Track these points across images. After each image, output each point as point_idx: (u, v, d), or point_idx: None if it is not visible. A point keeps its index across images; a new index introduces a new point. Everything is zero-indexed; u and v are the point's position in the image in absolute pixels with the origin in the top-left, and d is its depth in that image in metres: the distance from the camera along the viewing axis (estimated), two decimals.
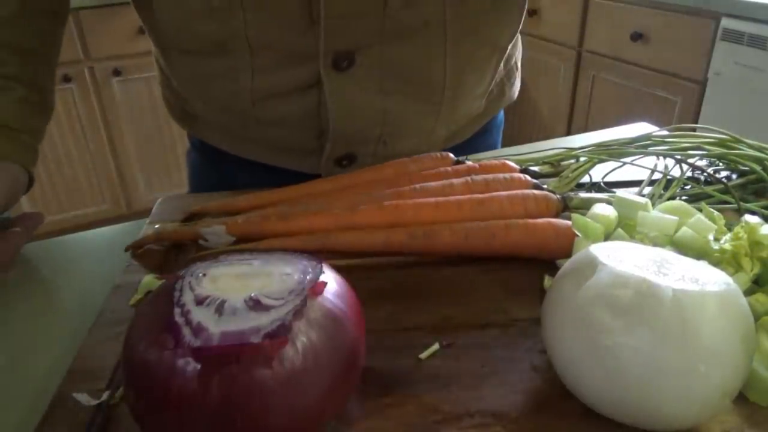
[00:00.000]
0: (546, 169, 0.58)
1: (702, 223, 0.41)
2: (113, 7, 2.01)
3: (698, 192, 0.53)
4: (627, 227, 0.44)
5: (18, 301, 0.49)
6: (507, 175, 0.51)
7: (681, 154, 0.56)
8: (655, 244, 0.41)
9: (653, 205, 0.46)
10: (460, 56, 0.59)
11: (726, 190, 0.52)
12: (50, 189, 2.17)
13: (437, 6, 0.54)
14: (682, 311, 0.28)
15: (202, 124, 0.67)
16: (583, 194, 0.50)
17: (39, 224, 0.53)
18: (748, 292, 0.37)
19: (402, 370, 0.36)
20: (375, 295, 0.43)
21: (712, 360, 0.28)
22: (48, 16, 0.58)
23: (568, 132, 2.19)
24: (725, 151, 0.56)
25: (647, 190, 0.53)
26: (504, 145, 0.76)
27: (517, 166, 0.54)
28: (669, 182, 0.53)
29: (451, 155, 0.56)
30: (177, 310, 0.28)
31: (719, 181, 0.53)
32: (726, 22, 1.57)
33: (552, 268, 0.44)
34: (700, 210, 0.43)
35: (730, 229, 0.41)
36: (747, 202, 0.51)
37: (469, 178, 0.50)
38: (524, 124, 2.44)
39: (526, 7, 0.64)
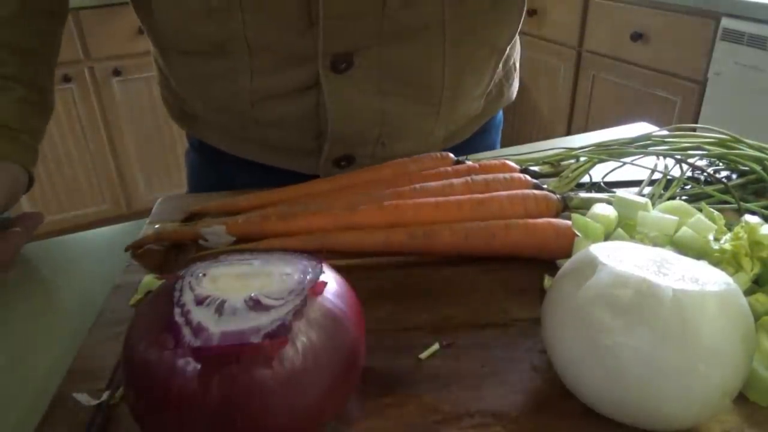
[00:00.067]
0: (546, 169, 0.58)
1: (702, 223, 0.41)
2: (113, 7, 2.01)
3: (698, 192, 0.53)
4: (627, 227, 0.44)
5: (18, 301, 0.49)
6: (507, 175, 0.51)
7: (681, 154, 0.56)
8: (655, 244, 0.41)
9: (653, 205, 0.46)
10: (458, 57, 0.59)
11: (726, 190, 0.52)
12: (50, 189, 2.17)
13: (436, 7, 0.54)
14: (682, 311, 0.28)
15: (201, 124, 0.67)
16: (583, 194, 0.50)
17: (39, 224, 0.53)
18: (748, 292, 0.37)
19: (402, 370, 0.36)
20: (375, 295, 0.43)
21: (712, 360, 0.28)
22: (47, 16, 0.58)
23: (568, 132, 2.19)
24: (725, 151, 0.56)
25: (647, 190, 0.53)
26: (504, 145, 0.76)
27: (517, 166, 0.54)
28: (669, 182, 0.53)
29: (451, 155, 0.56)
30: (177, 310, 0.28)
31: (719, 181, 0.53)
32: (726, 22, 1.57)
33: (552, 268, 0.44)
34: (700, 210, 0.43)
35: (730, 229, 0.41)
36: (747, 202, 0.51)
37: (469, 178, 0.50)
38: (524, 124, 2.44)
39: (525, 7, 0.64)
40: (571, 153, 0.59)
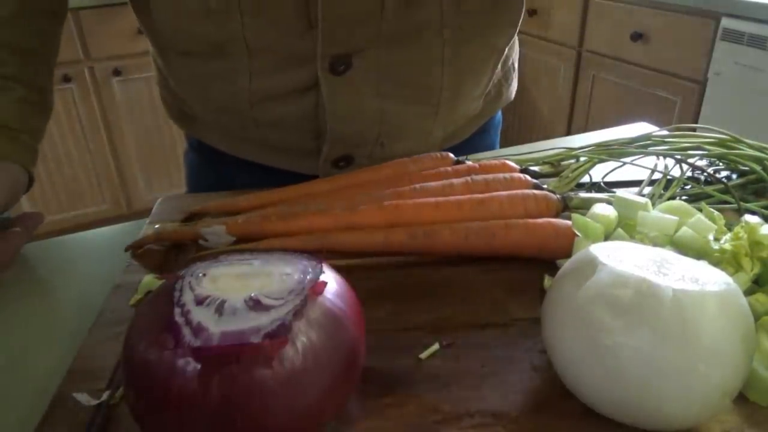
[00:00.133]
0: (546, 169, 0.58)
1: (702, 223, 0.41)
2: (113, 7, 2.01)
3: (698, 192, 0.53)
4: (627, 227, 0.44)
5: (18, 301, 0.49)
6: (507, 175, 0.51)
7: (681, 154, 0.56)
8: (655, 244, 0.41)
9: (653, 205, 0.46)
10: (457, 58, 0.59)
11: (726, 190, 0.52)
12: (50, 189, 2.17)
13: (434, 9, 0.54)
14: (682, 311, 0.28)
15: (200, 124, 0.67)
16: (583, 194, 0.50)
17: (39, 224, 0.53)
18: (748, 292, 0.37)
19: (402, 370, 0.36)
20: (375, 295, 0.43)
21: (712, 360, 0.28)
22: (47, 15, 0.58)
23: (568, 132, 2.19)
24: (725, 151, 0.56)
25: (647, 190, 0.53)
26: (504, 145, 0.76)
27: (517, 166, 0.54)
28: (669, 182, 0.53)
29: (451, 155, 0.56)
30: (177, 310, 0.28)
31: (719, 181, 0.53)
32: (726, 22, 1.57)
33: (552, 268, 0.44)
34: (700, 210, 0.43)
35: (730, 229, 0.41)
36: (747, 202, 0.51)
37: (469, 178, 0.50)
38: (524, 124, 2.44)
39: (525, 7, 0.64)
40: (571, 153, 0.59)
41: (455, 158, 0.55)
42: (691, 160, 0.56)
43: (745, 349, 0.29)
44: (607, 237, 0.44)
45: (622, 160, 0.57)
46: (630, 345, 0.29)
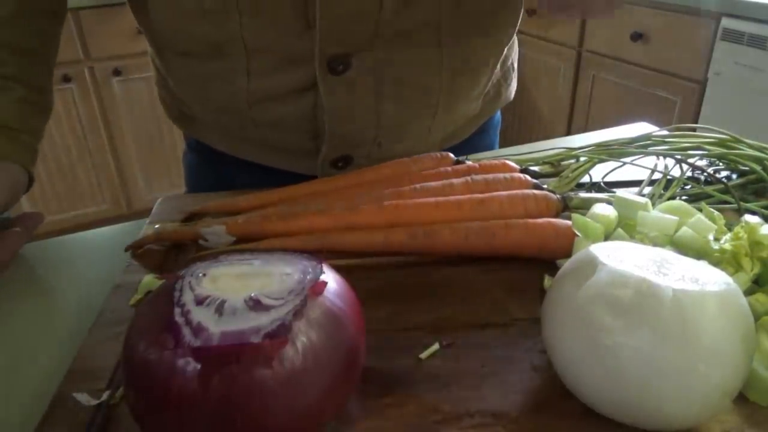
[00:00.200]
0: (546, 169, 0.58)
1: (702, 223, 0.41)
2: (113, 7, 2.01)
3: (698, 192, 0.53)
4: (627, 227, 0.44)
5: (18, 301, 0.49)
6: (507, 175, 0.51)
7: (681, 154, 0.56)
8: (655, 244, 0.41)
9: (653, 205, 0.46)
10: (456, 59, 0.59)
11: (726, 190, 0.52)
12: (50, 189, 2.17)
13: (433, 9, 0.54)
14: (682, 311, 0.28)
15: (199, 124, 0.67)
16: (583, 194, 0.50)
17: (39, 224, 0.53)
18: (748, 292, 0.37)
19: (402, 370, 0.36)
20: (375, 295, 0.43)
21: (712, 360, 0.28)
22: (46, 15, 0.58)
23: (568, 132, 2.19)
24: (725, 151, 0.56)
25: (647, 190, 0.53)
26: (504, 146, 0.76)
27: (517, 166, 0.54)
28: (669, 182, 0.53)
29: (451, 155, 0.56)
30: (177, 310, 0.28)
31: (719, 181, 0.53)
32: (726, 22, 1.57)
33: (552, 268, 0.44)
34: (700, 210, 0.43)
35: (730, 229, 0.41)
36: (747, 202, 0.51)
37: (469, 178, 0.50)
38: (524, 124, 2.44)
39: (523, 7, 0.64)
40: (571, 153, 0.59)
41: (455, 158, 0.55)
42: (691, 160, 0.56)
43: (745, 349, 0.29)
44: (607, 237, 0.44)
45: (622, 160, 0.57)
46: (630, 345, 0.29)
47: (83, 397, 0.34)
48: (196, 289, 0.29)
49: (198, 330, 0.27)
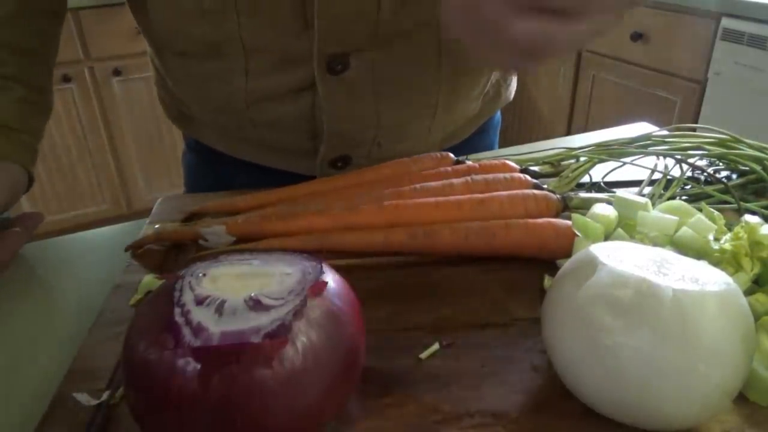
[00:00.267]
0: (546, 169, 0.58)
1: (702, 223, 0.41)
2: (113, 7, 2.01)
3: (698, 192, 0.53)
4: (627, 227, 0.44)
5: (18, 301, 0.49)
6: (507, 175, 0.51)
7: (681, 154, 0.56)
8: (655, 244, 0.41)
9: (653, 205, 0.46)
10: (454, 58, 0.59)
11: (726, 190, 0.52)
12: (50, 189, 2.17)
13: (431, 9, 0.54)
14: (682, 311, 0.28)
15: (198, 124, 0.67)
16: (583, 194, 0.50)
17: (39, 224, 0.53)
18: (748, 292, 0.37)
19: (402, 370, 0.36)
20: (375, 295, 0.43)
21: (712, 360, 0.28)
22: (46, 15, 0.58)
23: (568, 132, 2.19)
24: (725, 151, 0.56)
25: (647, 190, 0.53)
26: (504, 146, 0.76)
27: (517, 166, 0.54)
28: (669, 182, 0.53)
29: (451, 155, 0.56)
30: (177, 310, 0.28)
31: (719, 181, 0.53)
32: (726, 22, 1.57)
33: (552, 268, 0.44)
34: (700, 210, 0.43)
35: (730, 229, 0.41)
36: (747, 202, 0.51)
37: (469, 178, 0.50)
38: (524, 124, 2.44)
39: None
40: (571, 153, 0.59)
41: (455, 158, 0.55)
42: (691, 160, 0.56)
43: (745, 349, 0.29)
44: (607, 237, 0.44)
45: (622, 160, 0.57)
46: (630, 345, 0.29)
47: (83, 397, 0.34)
48: (196, 289, 0.29)
49: (198, 330, 0.27)
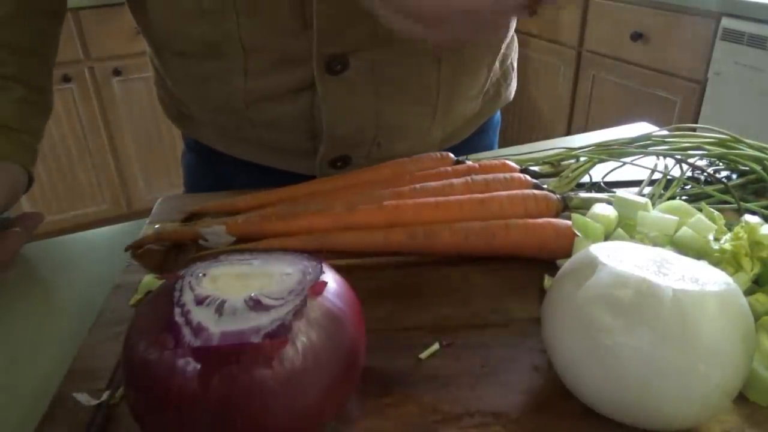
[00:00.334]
0: (546, 169, 0.58)
1: (702, 223, 0.41)
2: (113, 7, 2.01)
3: (698, 192, 0.53)
4: (627, 227, 0.44)
5: (18, 301, 0.49)
6: (507, 175, 0.51)
7: (681, 154, 0.56)
8: (655, 244, 0.41)
9: (653, 205, 0.46)
10: (453, 57, 0.59)
11: (726, 190, 0.52)
12: (50, 189, 2.17)
13: None
14: (682, 311, 0.28)
15: (197, 124, 0.67)
16: (583, 194, 0.50)
17: (39, 224, 0.53)
18: (748, 292, 0.37)
19: (402, 370, 0.36)
20: (375, 295, 0.43)
21: (712, 360, 0.28)
22: (46, 15, 0.58)
23: (568, 132, 2.19)
24: (725, 151, 0.56)
25: (647, 190, 0.53)
26: (504, 146, 0.76)
27: (517, 166, 0.54)
28: (669, 182, 0.53)
29: (451, 155, 0.56)
30: (177, 310, 0.28)
31: (719, 181, 0.53)
32: (726, 22, 1.57)
33: (552, 268, 0.44)
34: (700, 210, 0.43)
35: (730, 229, 0.41)
36: (747, 202, 0.51)
37: (469, 178, 0.50)
38: (524, 124, 2.44)
39: None
40: (571, 153, 0.59)
41: (455, 158, 0.55)
42: (691, 160, 0.56)
43: (745, 349, 0.29)
44: (607, 237, 0.44)
45: (622, 160, 0.57)
46: (630, 345, 0.29)
47: (83, 397, 0.34)
48: (196, 289, 0.29)
49: (198, 330, 0.27)
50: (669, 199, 0.50)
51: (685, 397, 0.28)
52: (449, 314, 0.41)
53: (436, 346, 0.38)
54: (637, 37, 1.82)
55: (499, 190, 0.49)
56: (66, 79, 2.04)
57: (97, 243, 0.58)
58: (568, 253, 0.44)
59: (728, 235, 0.40)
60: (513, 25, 0.67)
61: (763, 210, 0.50)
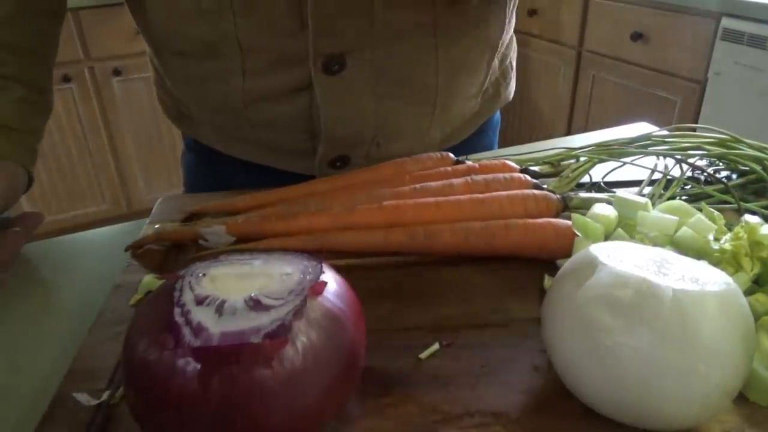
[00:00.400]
0: (546, 169, 0.58)
1: (702, 223, 0.41)
2: (113, 7, 2.01)
3: (698, 192, 0.53)
4: (627, 227, 0.44)
5: (18, 301, 0.49)
6: (507, 175, 0.51)
7: (681, 154, 0.56)
8: (655, 244, 0.41)
9: (653, 205, 0.46)
10: (451, 56, 0.59)
11: (726, 190, 0.52)
12: (50, 189, 2.17)
13: (426, 7, 0.54)
14: (682, 311, 0.28)
15: (197, 124, 0.67)
16: (583, 194, 0.50)
17: (39, 224, 0.53)
18: (748, 292, 0.37)
19: (402, 370, 0.36)
20: (375, 295, 0.43)
21: (712, 360, 0.28)
22: (46, 15, 0.58)
23: (568, 132, 2.19)
24: (725, 151, 0.56)
25: (647, 190, 0.53)
26: (504, 146, 0.76)
27: (517, 166, 0.54)
28: (669, 182, 0.53)
29: (451, 155, 0.56)
30: (177, 310, 0.28)
31: (719, 181, 0.53)
32: (726, 22, 1.57)
33: (552, 268, 0.44)
34: (700, 210, 0.43)
35: (730, 229, 0.41)
36: (747, 202, 0.51)
37: (469, 178, 0.50)
38: (524, 124, 2.44)
39: (517, 4, 0.64)
40: (571, 153, 0.59)
41: (455, 158, 0.55)
42: (691, 160, 0.56)
43: (745, 349, 0.29)
44: (607, 237, 0.44)
45: (622, 160, 0.57)
46: (630, 345, 0.29)
47: (83, 397, 0.34)
48: (196, 289, 0.29)
49: (198, 330, 0.27)
50: (669, 199, 0.50)
51: (685, 397, 0.28)
52: (449, 314, 0.41)
53: (436, 346, 0.38)
54: (637, 37, 1.82)
55: (499, 190, 0.49)
56: (66, 79, 2.04)
57: (97, 243, 0.58)
58: (568, 253, 0.44)
59: (728, 235, 0.40)
60: (512, 24, 0.66)
61: (763, 210, 0.50)
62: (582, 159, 0.57)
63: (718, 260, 0.39)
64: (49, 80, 0.60)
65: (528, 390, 0.35)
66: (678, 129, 0.66)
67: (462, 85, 0.63)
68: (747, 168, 0.55)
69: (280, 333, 0.27)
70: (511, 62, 0.72)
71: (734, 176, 0.56)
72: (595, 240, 0.43)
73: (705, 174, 0.55)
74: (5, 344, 0.44)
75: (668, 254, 0.33)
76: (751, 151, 0.56)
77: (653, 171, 0.55)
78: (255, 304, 0.28)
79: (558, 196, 0.49)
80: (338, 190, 0.53)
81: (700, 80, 1.69)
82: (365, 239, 0.46)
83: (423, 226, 0.46)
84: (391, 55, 0.56)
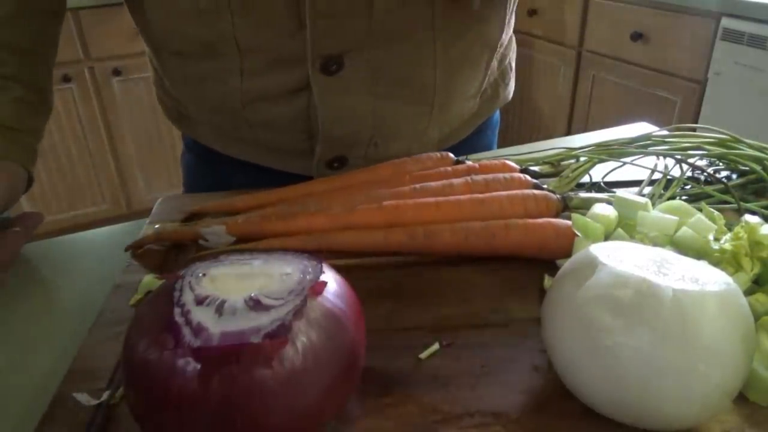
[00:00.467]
0: (546, 169, 0.58)
1: (702, 223, 0.41)
2: (113, 7, 2.01)
3: (698, 192, 0.53)
4: (627, 227, 0.44)
5: (18, 301, 0.49)
6: (507, 175, 0.51)
7: (681, 154, 0.56)
8: (655, 244, 0.41)
9: (653, 205, 0.46)
10: (449, 56, 0.59)
11: (726, 190, 0.52)
12: (50, 189, 2.17)
13: (424, 7, 0.54)
14: (682, 311, 0.28)
15: (196, 124, 0.67)
16: (583, 194, 0.50)
17: (39, 224, 0.53)
18: (748, 292, 0.37)
19: (402, 370, 0.36)
20: (375, 295, 0.43)
21: (712, 360, 0.28)
22: (45, 15, 0.58)
23: (568, 132, 2.19)
24: (725, 151, 0.56)
25: (647, 190, 0.53)
26: (504, 146, 0.76)
27: (517, 166, 0.54)
28: (669, 182, 0.53)
29: (451, 155, 0.56)
30: (177, 310, 0.28)
31: (719, 181, 0.53)
32: (726, 22, 1.57)
33: (552, 268, 0.44)
34: (700, 210, 0.43)
35: (730, 229, 0.41)
36: (747, 202, 0.51)
37: (469, 178, 0.50)
38: (524, 124, 2.44)
39: (516, 3, 0.63)
40: (571, 153, 0.59)
41: (455, 158, 0.55)
42: (691, 160, 0.56)
43: (745, 349, 0.29)
44: (607, 237, 0.44)
45: (622, 160, 0.57)
46: (630, 345, 0.29)
47: (83, 397, 0.34)
48: (196, 289, 0.29)
49: (198, 330, 0.27)
50: (669, 199, 0.50)
51: (685, 397, 0.28)
52: (449, 314, 0.41)
53: (436, 346, 0.38)
54: (637, 37, 1.82)
55: (499, 190, 0.49)
56: (66, 79, 2.04)
57: (97, 243, 0.58)
58: (568, 253, 0.44)
59: (728, 235, 0.40)
60: (512, 24, 0.66)
61: (763, 210, 0.50)
62: (582, 159, 0.57)
63: (718, 260, 0.39)
64: (49, 80, 0.60)
65: (528, 390, 0.35)
66: (678, 129, 0.66)
67: (460, 86, 0.63)
68: (747, 168, 0.55)
69: (280, 333, 0.27)
70: (510, 63, 0.72)
71: (734, 176, 0.56)
72: (595, 240, 0.43)
73: (705, 174, 0.55)
74: (5, 344, 0.44)
75: (668, 254, 0.33)
76: (751, 151, 0.56)
77: (653, 171, 0.55)
78: (255, 304, 0.28)
79: (558, 196, 0.49)
80: (338, 190, 0.53)
81: (700, 80, 1.69)
82: (365, 239, 0.46)
83: (423, 226, 0.46)
84: (390, 55, 0.56)
